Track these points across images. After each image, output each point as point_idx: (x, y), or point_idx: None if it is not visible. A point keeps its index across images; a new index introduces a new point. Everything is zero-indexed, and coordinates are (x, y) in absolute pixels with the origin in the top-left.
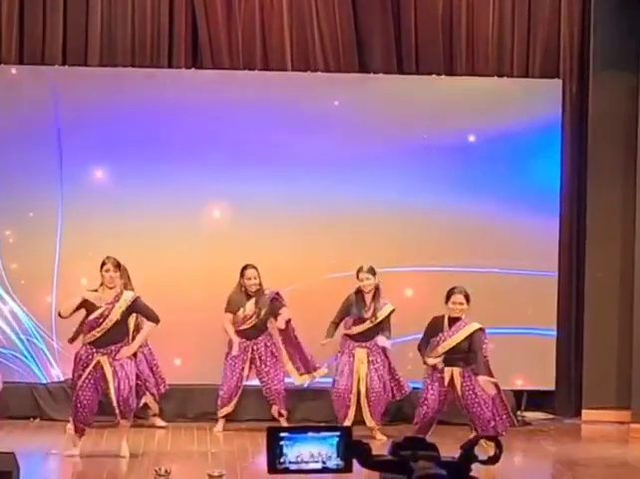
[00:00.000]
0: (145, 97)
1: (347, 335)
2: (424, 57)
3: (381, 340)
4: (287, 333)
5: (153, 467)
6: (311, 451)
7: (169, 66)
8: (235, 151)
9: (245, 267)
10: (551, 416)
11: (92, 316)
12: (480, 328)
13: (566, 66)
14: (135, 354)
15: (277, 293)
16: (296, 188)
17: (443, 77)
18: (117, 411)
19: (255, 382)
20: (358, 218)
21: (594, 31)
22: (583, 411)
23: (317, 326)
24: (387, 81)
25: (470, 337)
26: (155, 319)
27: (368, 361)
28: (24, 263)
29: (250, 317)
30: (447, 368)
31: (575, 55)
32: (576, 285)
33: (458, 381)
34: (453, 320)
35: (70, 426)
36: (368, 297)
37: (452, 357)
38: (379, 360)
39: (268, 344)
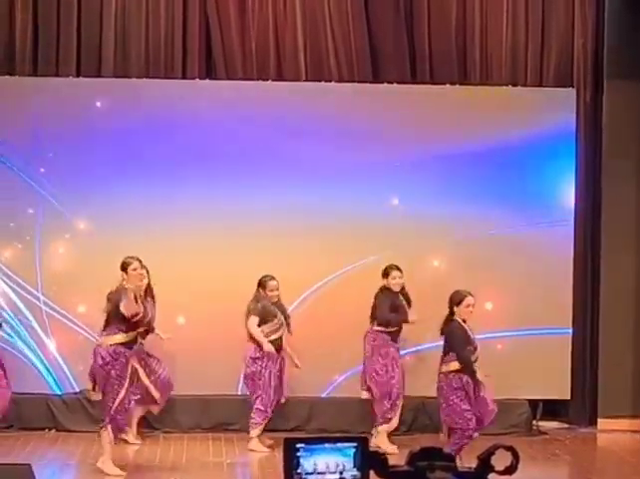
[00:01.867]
0: (158, 108)
1: (384, 333)
2: (437, 66)
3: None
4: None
5: (168, 478)
6: (327, 462)
7: (183, 77)
8: (249, 161)
9: (269, 279)
10: (567, 425)
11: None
12: None
13: (580, 75)
14: None
15: None
16: (311, 197)
17: (456, 86)
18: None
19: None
20: (372, 227)
21: (608, 39)
22: (599, 420)
23: (329, 336)
24: (401, 90)
25: None
26: None
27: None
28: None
29: (279, 329)
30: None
31: (589, 63)
32: (591, 293)
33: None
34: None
35: (108, 433)
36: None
37: None
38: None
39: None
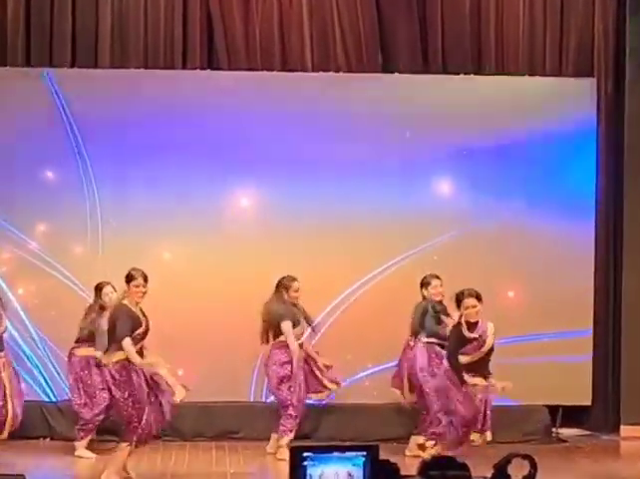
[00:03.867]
0: (158, 100)
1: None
2: (451, 55)
3: None
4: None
5: None
6: (336, 471)
7: (184, 67)
8: (253, 155)
9: (291, 279)
10: (588, 432)
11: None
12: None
13: (601, 64)
14: None
15: None
16: (316, 190)
17: (471, 76)
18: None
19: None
20: (379, 220)
21: (630, 26)
22: (622, 427)
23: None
24: (412, 81)
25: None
26: None
27: None
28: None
29: (304, 332)
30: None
31: (610, 52)
32: (613, 295)
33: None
34: (471, 325)
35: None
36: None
37: (476, 365)
38: None
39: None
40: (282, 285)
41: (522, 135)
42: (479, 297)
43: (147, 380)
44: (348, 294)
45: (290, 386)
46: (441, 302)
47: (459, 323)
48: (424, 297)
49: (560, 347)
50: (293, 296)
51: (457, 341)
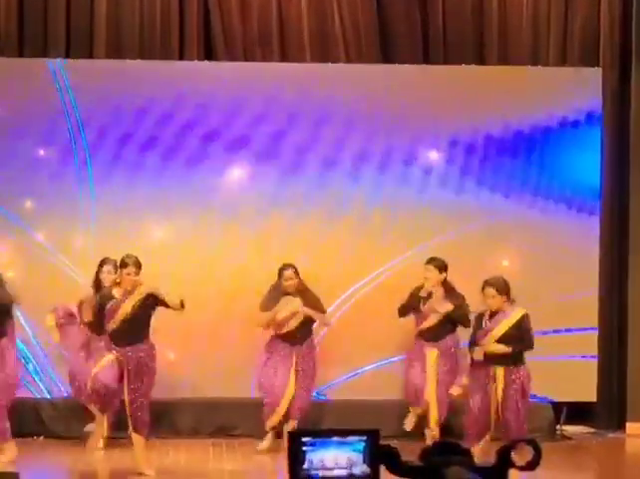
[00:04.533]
0: (154, 91)
1: None
2: (452, 45)
3: None
4: None
5: None
6: (336, 457)
7: (181, 58)
8: (250, 147)
9: (284, 267)
10: (593, 430)
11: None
12: (526, 314)
13: (607, 53)
14: None
15: None
16: (314, 182)
17: (473, 66)
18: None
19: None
20: (379, 212)
21: (636, 15)
22: (627, 424)
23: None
24: (412, 72)
25: (518, 325)
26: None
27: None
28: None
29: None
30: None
31: (616, 41)
32: (619, 288)
33: (500, 381)
34: (493, 314)
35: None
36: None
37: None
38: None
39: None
40: (278, 273)
41: (525, 126)
42: (498, 288)
43: None
44: (353, 291)
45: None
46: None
47: (484, 311)
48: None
49: (565, 343)
50: (285, 285)
51: (475, 326)
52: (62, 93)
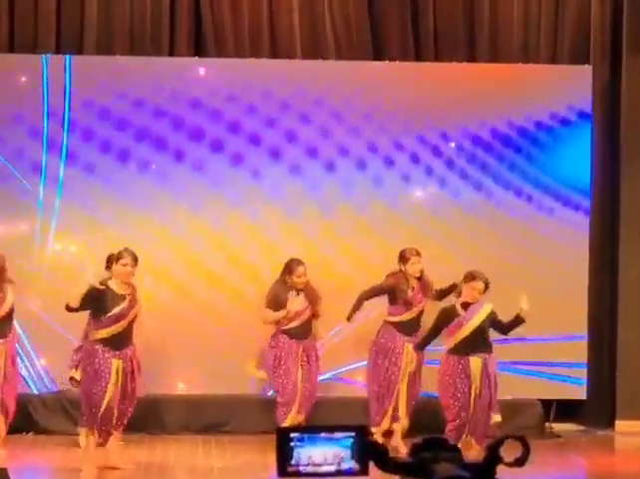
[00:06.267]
0: (144, 87)
1: None
2: (443, 42)
3: None
4: None
5: None
6: (324, 453)
7: (170, 54)
8: (240, 145)
9: (298, 263)
10: (582, 428)
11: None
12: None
13: (597, 50)
14: None
15: None
16: (305, 179)
17: (463, 64)
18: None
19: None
20: (373, 209)
21: (627, 12)
22: (617, 422)
23: None
24: (403, 69)
25: (490, 316)
26: None
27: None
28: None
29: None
30: (469, 357)
31: (607, 39)
32: (609, 285)
33: (477, 371)
34: (466, 305)
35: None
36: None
37: (471, 344)
38: None
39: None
40: (287, 268)
41: (516, 123)
42: (487, 286)
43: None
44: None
45: (275, 372)
46: (420, 279)
47: (453, 304)
48: (400, 271)
49: (556, 345)
50: (296, 282)
51: (444, 318)
52: (50, 88)
